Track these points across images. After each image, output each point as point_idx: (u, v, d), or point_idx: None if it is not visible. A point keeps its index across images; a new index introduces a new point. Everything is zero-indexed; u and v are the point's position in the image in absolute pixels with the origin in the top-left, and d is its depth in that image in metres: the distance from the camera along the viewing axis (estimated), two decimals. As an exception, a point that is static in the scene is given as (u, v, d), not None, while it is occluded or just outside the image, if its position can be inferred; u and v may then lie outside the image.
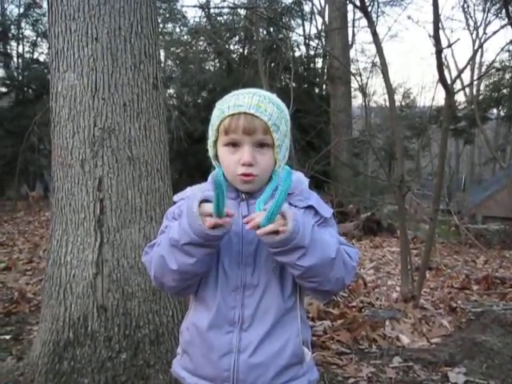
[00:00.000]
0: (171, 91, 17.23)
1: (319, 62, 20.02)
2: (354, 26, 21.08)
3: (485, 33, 26.90)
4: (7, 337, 3.90)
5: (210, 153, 1.61)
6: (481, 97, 19.48)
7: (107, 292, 2.72)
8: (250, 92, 1.53)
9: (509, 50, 16.78)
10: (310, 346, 1.66)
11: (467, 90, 26.71)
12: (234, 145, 1.50)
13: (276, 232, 1.37)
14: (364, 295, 5.42)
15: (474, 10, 27.36)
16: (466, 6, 22.69)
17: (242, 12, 14.38)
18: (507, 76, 18.20)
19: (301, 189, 1.59)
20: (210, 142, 1.59)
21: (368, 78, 22.01)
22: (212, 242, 1.42)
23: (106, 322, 2.72)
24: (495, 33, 5.53)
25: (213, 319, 1.52)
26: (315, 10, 21.05)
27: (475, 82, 23.28)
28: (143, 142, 2.83)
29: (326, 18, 19.13)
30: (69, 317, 2.76)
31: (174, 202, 1.66)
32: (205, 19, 17.21)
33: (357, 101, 25.50)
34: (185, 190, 1.67)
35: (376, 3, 18.95)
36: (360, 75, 17.88)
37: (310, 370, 1.62)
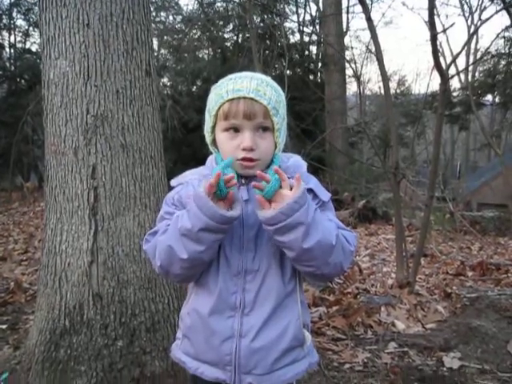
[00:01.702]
0: (165, 80, 17.15)
1: (314, 49, 19.97)
2: (348, 13, 21.03)
3: (480, 19, 26.78)
4: (3, 326, 3.91)
5: (208, 139, 1.60)
6: (476, 83, 19.44)
7: (102, 280, 2.71)
8: (247, 76, 1.52)
9: (504, 37, 16.75)
10: (310, 329, 1.67)
11: (462, 76, 26.72)
12: (234, 130, 1.49)
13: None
14: (359, 282, 5.44)
15: (469, -5, 27.30)
16: (460, -10, 22.57)
17: (236, -1, 14.29)
18: (502, 62, 18.16)
19: (300, 173, 1.58)
20: (207, 128, 1.59)
21: (362, 64, 21.99)
22: (225, 226, 1.42)
23: (102, 310, 2.72)
24: (490, 17, 5.52)
25: (214, 304, 1.53)
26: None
27: (470, 68, 23.26)
28: (136, 129, 2.81)
29: (321, 5, 19.06)
30: (64, 305, 2.75)
31: (172, 187, 1.65)
32: (198, 7, 17.12)
33: (352, 88, 25.49)
34: (182, 175, 1.66)
35: (370, -11, 18.86)
36: (355, 62, 17.84)
37: (311, 353, 1.64)
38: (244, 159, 1.48)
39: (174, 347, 1.71)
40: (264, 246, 1.51)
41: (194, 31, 17.60)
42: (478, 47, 30.05)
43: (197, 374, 1.60)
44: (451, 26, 4.89)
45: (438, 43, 4.83)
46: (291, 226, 1.38)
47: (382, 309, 4.38)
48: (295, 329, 1.55)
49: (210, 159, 1.64)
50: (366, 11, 5.37)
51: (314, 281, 1.64)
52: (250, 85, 1.48)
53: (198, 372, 1.59)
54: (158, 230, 1.57)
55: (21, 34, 17.58)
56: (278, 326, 1.53)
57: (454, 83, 30.61)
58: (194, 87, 16.92)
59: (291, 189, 1.41)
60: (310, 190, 1.54)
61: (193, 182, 1.59)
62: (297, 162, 1.64)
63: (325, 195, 1.58)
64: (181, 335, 1.67)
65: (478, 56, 27.30)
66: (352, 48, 22.50)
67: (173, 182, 1.65)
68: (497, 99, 21.01)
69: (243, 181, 1.55)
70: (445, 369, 3.32)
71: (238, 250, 1.52)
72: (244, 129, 1.48)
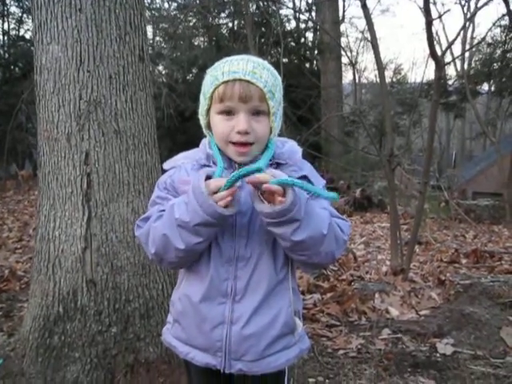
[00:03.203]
0: (160, 68, 17.06)
1: (310, 37, 19.91)
2: (344, 0, 20.93)
3: (476, 7, 26.69)
4: (-2, 314, 3.91)
5: (202, 122, 1.59)
6: (472, 71, 19.41)
7: (96, 266, 2.71)
8: (243, 58, 1.50)
9: (500, 25, 16.71)
10: (302, 316, 1.67)
11: (458, 65, 26.65)
12: (229, 112, 1.47)
13: (272, 196, 1.36)
14: (354, 269, 5.46)
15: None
16: (457, -22, 22.46)
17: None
18: (498, 51, 18.12)
19: (295, 159, 1.58)
20: (201, 111, 1.57)
21: (358, 50, 21.91)
22: (223, 221, 1.42)
23: (96, 297, 2.72)
24: (485, 4, 5.51)
25: (205, 291, 1.52)
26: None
27: (466, 56, 23.23)
28: (130, 114, 2.79)
29: (317, -8, 18.95)
30: (58, 292, 2.75)
31: (165, 171, 1.64)
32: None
33: (348, 77, 25.43)
34: (175, 158, 1.65)
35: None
36: (350, 50, 17.79)
37: (302, 340, 1.64)
38: (238, 143, 1.47)
39: (164, 331, 1.71)
40: (256, 234, 1.50)
41: (190, 18, 17.48)
42: (475, 35, 29.96)
43: (187, 359, 1.60)
44: (447, 11, 4.88)
45: (433, 31, 4.81)
46: (286, 221, 1.37)
47: (376, 295, 4.40)
48: (286, 316, 1.55)
49: (204, 142, 1.62)
50: (362, -2, 5.34)
51: (306, 268, 1.64)
52: (247, 67, 1.45)
53: (188, 357, 1.59)
54: (151, 216, 1.55)
55: (14, 21, 17.48)
56: (268, 313, 1.53)
57: (450, 71, 30.61)
58: (190, 75, 16.85)
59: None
60: (304, 177, 1.53)
61: (185, 166, 1.58)
62: (292, 147, 1.62)
63: (319, 182, 1.57)
64: (171, 319, 1.67)
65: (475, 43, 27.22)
66: (348, 36, 22.43)
67: (165, 166, 1.64)
68: (492, 88, 21.00)
69: (237, 165, 1.53)
70: (438, 355, 3.34)
71: (230, 236, 1.51)
72: (239, 112, 1.45)
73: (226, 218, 1.42)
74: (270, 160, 1.52)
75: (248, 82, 1.44)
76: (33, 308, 2.87)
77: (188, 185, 1.45)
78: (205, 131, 1.60)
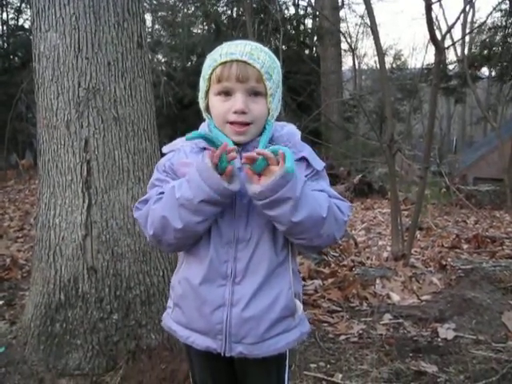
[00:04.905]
0: (159, 56, 16.99)
1: (309, 23, 19.79)
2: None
3: (476, -9, 26.44)
4: (0, 302, 3.92)
5: (201, 105, 1.60)
6: (472, 56, 19.27)
7: (97, 253, 2.71)
8: (241, 42, 1.52)
9: (501, 10, 16.57)
10: (303, 302, 1.67)
11: (459, 50, 26.51)
12: (227, 93, 1.49)
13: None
14: (355, 255, 5.47)
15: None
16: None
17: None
18: (499, 35, 17.97)
19: (294, 141, 1.58)
20: (201, 94, 1.58)
21: (357, 36, 21.78)
22: (226, 199, 1.42)
23: (97, 284, 2.72)
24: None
25: (205, 273, 1.52)
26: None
27: (467, 40, 23.07)
28: (129, 101, 2.78)
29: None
30: (59, 279, 2.75)
31: (164, 154, 1.64)
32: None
33: (347, 63, 25.32)
34: (174, 142, 1.65)
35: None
36: (350, 36, 17.69)
37: (302, 323, 1.63)
38: (235, 123, 1.47)
39: (165, 316, 1.71)
40: (256, 215, 1.50)
41: (189, 6, 17.38)
42: (475, 19, 29.75)
43: (188, 343, 1.60)
44: (447, -5, 4.83)
45: (433, 16, 4.78)
46: (279, 201, 1.38)
47: (377, 281, 4.40)
48: (286, 298, 1.55)
49: (203, 126, 1.62)
50: (361, -18, 5.30)
51: (307, 252, 1.64)
52: (244, 49, 1.47)
53: (189, 341, 1.59)
54: (150, 198, 1.55)
55: (13, 11, 17.35)
56: (269, 295, 1.52)
57: (451, 56, 30.46)
58: (189, 63, 16.78)
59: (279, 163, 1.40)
60: (304, 159, 1.54)
61: (184, 149, 1.58)
62: (291, 129, 1.63)
63: (318, 164, 1.57)
64: (172, 304, 1.67)
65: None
66: (347, 22, 22.33)
67: (164, 149, 1.64)
68: (493, 73, 20.89)
69: (237, 148, 1.53)
70: (439, 339, 3.34)
71: (230, 218, 1.51)
72: (236, 92, 1.47)
73: (229, 195, 1.42)
74: (269, 143, 1.53)
75: (245, 62, 1.46)
76: (34, 296, 2.88)
77: (187, 167, 1.46)
78: (204, 114, 1.61)
